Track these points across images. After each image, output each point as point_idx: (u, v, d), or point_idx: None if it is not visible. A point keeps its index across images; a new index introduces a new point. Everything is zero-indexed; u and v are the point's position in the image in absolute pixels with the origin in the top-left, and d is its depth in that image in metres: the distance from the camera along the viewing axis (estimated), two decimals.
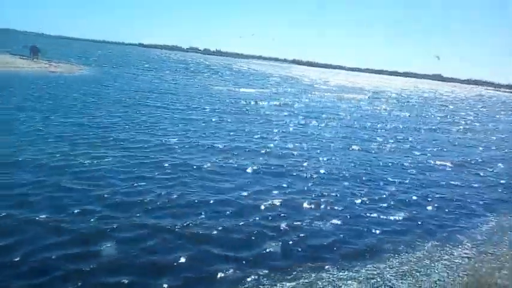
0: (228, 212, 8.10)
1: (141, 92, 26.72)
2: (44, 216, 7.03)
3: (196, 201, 8.46)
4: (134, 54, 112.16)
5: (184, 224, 7.33)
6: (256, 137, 15.81)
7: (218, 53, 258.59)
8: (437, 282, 6.28)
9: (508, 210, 10.32)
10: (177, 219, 7.49)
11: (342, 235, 7.72)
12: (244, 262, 6.36)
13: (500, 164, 15.83)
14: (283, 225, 7.80)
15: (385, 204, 9.61)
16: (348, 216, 8.63)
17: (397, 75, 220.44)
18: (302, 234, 7.54)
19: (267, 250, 6.82)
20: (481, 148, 19.54)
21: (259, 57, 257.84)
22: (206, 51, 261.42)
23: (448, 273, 6.60)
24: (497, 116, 41.35)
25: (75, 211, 7.35)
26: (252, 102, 27.71)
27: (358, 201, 9.66)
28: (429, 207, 9.84)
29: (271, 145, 14.53)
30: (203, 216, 7.78)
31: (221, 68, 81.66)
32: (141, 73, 44.66)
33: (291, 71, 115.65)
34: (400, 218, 8.88)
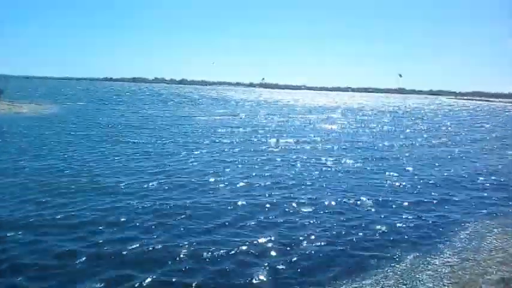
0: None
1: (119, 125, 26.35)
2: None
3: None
4: (101, 89, 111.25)
5: None
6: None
7: (184, 82, 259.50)
8: None
9: (484, 214, 10.56)
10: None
11: (325, 254, 7.73)
12: None
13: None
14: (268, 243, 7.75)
15: (366, 219, 9.71)
16: (329, 235, 8.67)
17: (361, 91, 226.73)
18: (289, 256, 7.53)
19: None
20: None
21: (224, 83, 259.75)
22: (172, 81, 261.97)
23: (433, 283, 6.65)
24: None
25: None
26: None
27: (340, 218, 9.74)
28: (408, 218, 9.99)
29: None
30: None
31: (205, 99, 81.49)
32: (114, 107, 44.29)
33: (261, 95, 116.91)
34: (381, 231, 8.96)
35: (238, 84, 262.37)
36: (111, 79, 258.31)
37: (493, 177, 15.09)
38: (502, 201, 11.90)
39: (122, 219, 8.90)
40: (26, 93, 64.02)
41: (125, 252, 7.31)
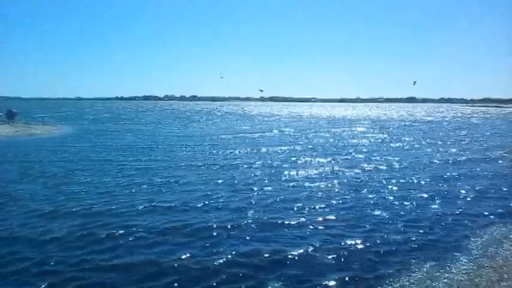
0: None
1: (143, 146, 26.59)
2: None
3: None
4: (115, 109, 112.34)
5: None
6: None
7: (195, 98, 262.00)
8: None
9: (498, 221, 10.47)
10: None
11: (339, 262, 7.80)
12: None
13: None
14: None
15: (378, 227, 9.74)
16: (342, 243, 8.75)
17: (373, 102, 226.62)
18: (297, 263, 7.68)
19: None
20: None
21: (236, 99, 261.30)
22: (183, 98, 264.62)
23: None
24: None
25: None
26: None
27: (349, 225, 9.87)
28: (422, 225, 10.00)
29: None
30: None
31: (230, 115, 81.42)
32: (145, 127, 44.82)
33: (283, 109, 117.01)
34: (397, 240, 8.98)
35: (248, 99, 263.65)
36: (122, 98, 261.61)
37: None
38: None
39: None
40: (40, 115, 64.84)
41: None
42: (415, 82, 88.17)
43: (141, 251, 8.25)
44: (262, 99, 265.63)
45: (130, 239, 8.91)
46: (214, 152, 23.42)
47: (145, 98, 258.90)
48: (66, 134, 34.57)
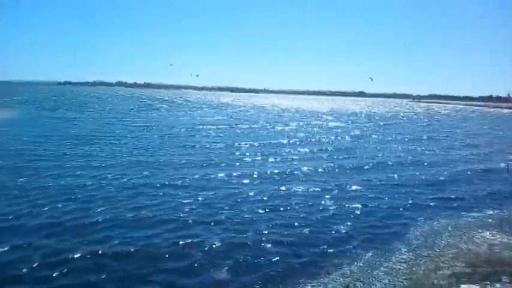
0: None
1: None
2: None
3: None
4: (66, 93, 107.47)
5: None
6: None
7: (149, 85, 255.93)
8: None
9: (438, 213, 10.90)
10: None
11: (281, 255, 7.81)
12: None
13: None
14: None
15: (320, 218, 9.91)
16: (286, 233, 8.82)
17: (318, 95, 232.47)
18: (244, 255, 7.62)
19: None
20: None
21: (187, 87, 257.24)
22: (136, 85, 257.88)
23: (388, 279, 6.82)
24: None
25: None
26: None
27: (295, 217, 9.93)
28: (364, 217, 10.26)
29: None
30: None
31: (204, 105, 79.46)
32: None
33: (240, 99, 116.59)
34: (339, 230, 9.14)
35: (203, 88, 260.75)
36: (69, 83, 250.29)
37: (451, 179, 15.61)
38: (459, 201, 12.31)
39: None
40: None
41: None
42: (371, 78, 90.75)
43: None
44: (219, 88, 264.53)
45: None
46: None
47: (94, 83, 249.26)
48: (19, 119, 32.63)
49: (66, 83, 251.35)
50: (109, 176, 13.11)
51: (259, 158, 18.33)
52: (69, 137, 21.98)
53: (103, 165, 14.92)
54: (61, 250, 7.44)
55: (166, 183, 12.58)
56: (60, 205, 9.88)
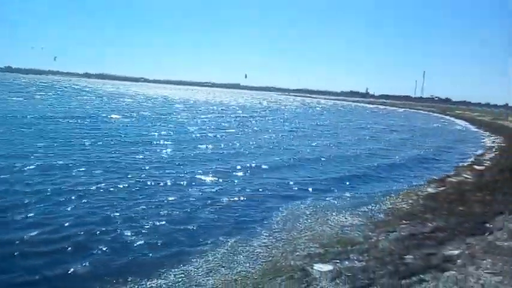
0: None
1: None
2: None
3: None
4: None
5: None
6: None
7: (11, 70, 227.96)
8: (241, 273, 6.64)
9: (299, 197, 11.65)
10: None
11: (141, 245, 7.68)
12: None
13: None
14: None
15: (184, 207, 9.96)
16: (147, 220, 8.80)
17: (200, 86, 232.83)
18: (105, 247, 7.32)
19: None
20: None
21: (58, 73, 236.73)
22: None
23: (249, 263, 7.07)
24: None
25: None
26: None
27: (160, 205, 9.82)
28: (226, 205, 10.59)
29: None
30: None
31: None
32: None
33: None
34: (205, 220, 9.24)
35: (69, 74, 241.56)
36: None
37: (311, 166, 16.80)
38: (321, 185, 13.41)
39: None
40: None
41: None
42: (246, 75, 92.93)
43: None
44: (87, 75, 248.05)
45: None
46: None
47: None
48: None
49: None
50: None
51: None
52: None
53: None
54: None
55: None
56: None
